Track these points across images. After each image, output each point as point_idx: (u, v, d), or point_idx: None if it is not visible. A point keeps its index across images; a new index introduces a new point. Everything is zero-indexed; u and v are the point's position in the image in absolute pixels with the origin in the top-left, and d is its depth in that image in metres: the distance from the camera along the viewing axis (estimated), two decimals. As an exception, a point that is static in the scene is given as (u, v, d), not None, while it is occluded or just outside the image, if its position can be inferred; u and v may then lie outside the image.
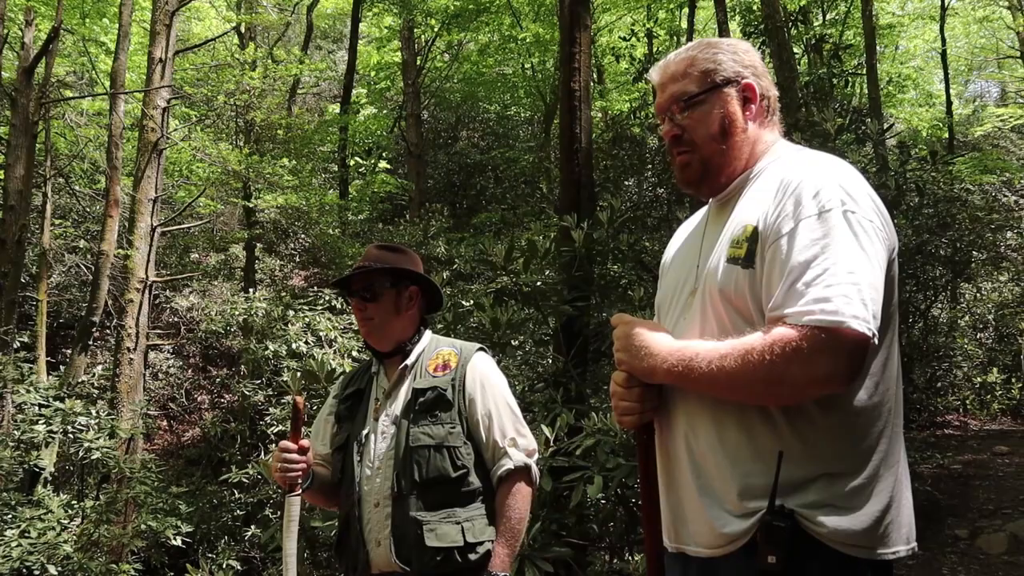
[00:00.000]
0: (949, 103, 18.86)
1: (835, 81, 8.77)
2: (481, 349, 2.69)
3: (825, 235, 1.54)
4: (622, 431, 4.28)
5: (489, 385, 2.59)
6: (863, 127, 7.61)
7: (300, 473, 2.49)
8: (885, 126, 8.35)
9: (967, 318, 11.55)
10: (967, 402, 10.92)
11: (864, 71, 14.24)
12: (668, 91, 1.82)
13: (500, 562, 2.44)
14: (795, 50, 10.42)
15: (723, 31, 13.05)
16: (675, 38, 18.38)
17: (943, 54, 19.13)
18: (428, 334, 2.76)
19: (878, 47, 17.24)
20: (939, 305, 10.13)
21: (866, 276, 1.51)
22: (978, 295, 11.68)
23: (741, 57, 1.82)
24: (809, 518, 1.55)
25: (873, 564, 1.58)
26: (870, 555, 1.57)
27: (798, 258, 1.53)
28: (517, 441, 2.55)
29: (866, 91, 14.94)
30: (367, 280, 2.64)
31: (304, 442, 2.51)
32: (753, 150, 1.81)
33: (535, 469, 2.58)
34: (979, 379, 11.03)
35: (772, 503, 1.55)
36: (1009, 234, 11.09)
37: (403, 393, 2.60)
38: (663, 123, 1.85)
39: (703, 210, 1.98)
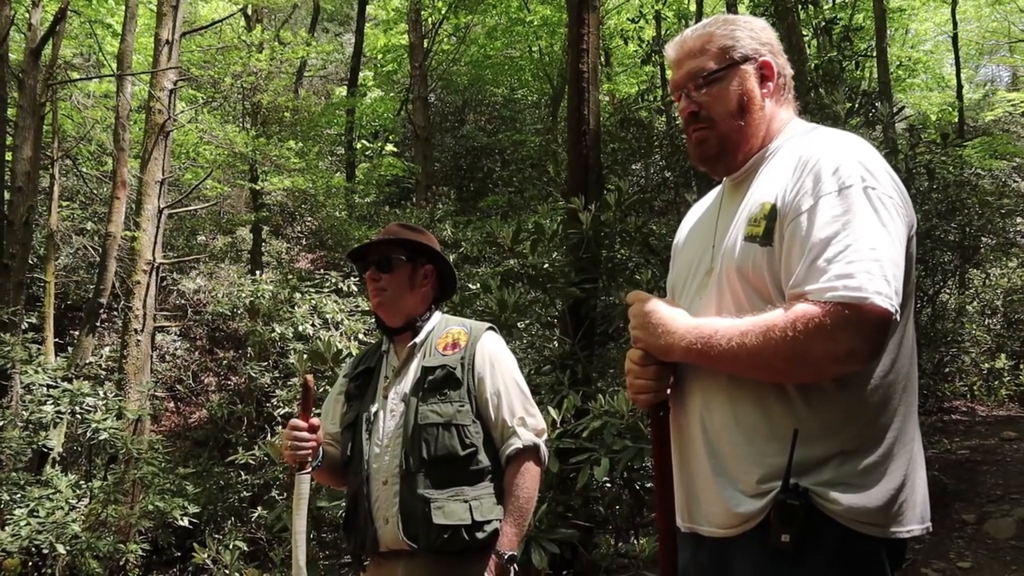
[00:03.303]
0: (960, 87, 18.67)
1: (845, 64, 8.67)
2: (491, 328, 2.69)
3: (846, 212, 1.52)
4: (629, 413, 4.27)
5: (498, 364, 2.58)
6: (873, 110, 7.52)
7: (310, 451, 2.48)
8: (895, 110, 8.28)
9: (975, 304, 11.49)
10: (975, 388, 10.87)
11: (874, 54, 14.12)
12: (685, 67, 1.80)
13: (508, 541, 2.44)
14: (804, 33, 10.32)
15: (731, 14, 12.95)
16: (684, 20, 18.25)
17: (954, 38, 18.94)
18: (438, 313, 2.76)
19: (888, 30, 17.10)
20: (947, 290, 10.08)
21: (888, 252, 1.49)
22: (987, 281, 11.62)
23: (758, 34, 1.81)
24: (823, 496, 1.53)
25: (887, 542, 1.57)
26: (884, 533, 1.56)
27: (819, 235, 1.52)
28: (526, 420, 2.54)
29: (876, 75, 14.81)
30: (384, 252, 2.66)
31: (314, 420, 2.51)
32: (769, 128, 1.79)
33: (544, 449, 2.57)
34: (987, 365, 10.98)
35: (786, 482, 1.54)
36: (1019, 220, 11.02)
37: (412, 371, 2.60)
38: (679, 100, 1.82)
39: (716, 190, 1.96)
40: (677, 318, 1.68)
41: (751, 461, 1.61)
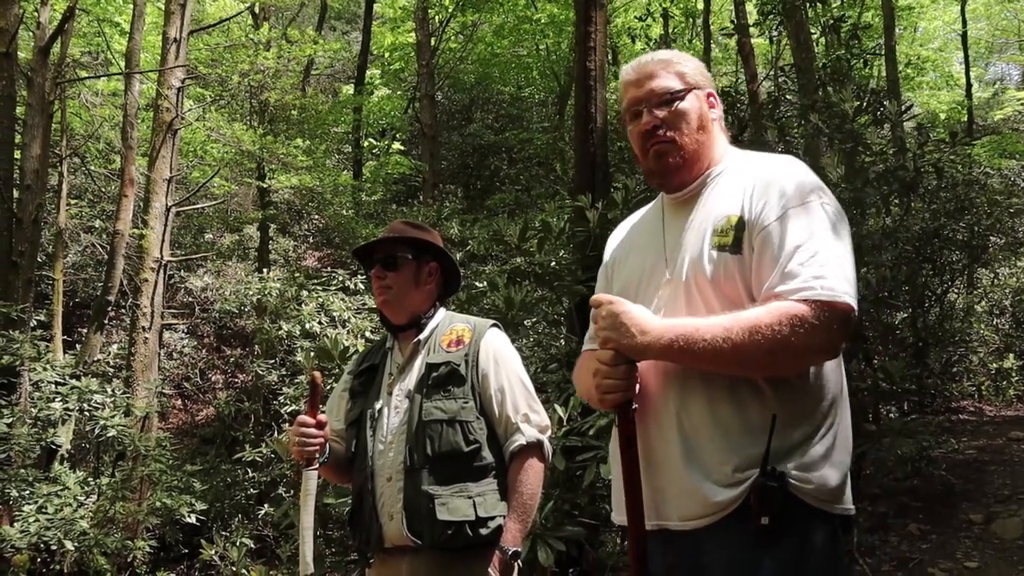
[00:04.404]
0: (969, 86, 18.57)
1: (853, 62, 8.64)
2: (495, 325, 2.70)
3: (810, 223, 1.72)
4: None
5: (502, 360, 2.59)
6: (881, 109, 7.49)
7: (317, 447, 2.50)
8: (903, 108, 8.24)
9: (984, 303, 11.44)
10: (983, 388, 10.82)
11: (882, 52, 14.06)
12: (646, 86, 1.94)
13: (512, 537, 2.44)
14: (812, 31, 10.29)
15: (739, 12, 12.93)
16: (691, 19, 18.23)
17: (963, 36, 18.87)
18: (443, 311, 2.78)
19: (897, 28, 17.04)
20: (956, 290, 10.04)
21: (846, 258, 1.70)
22: (995, 280, 11.57)
23: (703, 71, 2.01)
24: (796, 478, 1.67)
25: (841, 518, 1.75)
26: (840, 510, 1.74)
27: (791, 243, 1.70)
28: (530, 417, 2.55)
29: (884, 73, 14.76)
30: (389, 250, 2.68)
31: (321, 417, 2.52)
32: (713, 152, 1.96)
33: (548, 445, 2.58)
34: (995, 365, 10.94)
35: (765, 466, 1.66)
36: (1028, 219, 10.95)
37: (416, 367, 2.61)
38: (634, 117, 1.96)
39: (646, 208, 2.13)
40: (651, 319, 1.77)
41: (729, 452, 1.71)
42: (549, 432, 2.61)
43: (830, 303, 1.62)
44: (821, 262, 1.66)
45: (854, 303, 1.65)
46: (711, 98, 1.98)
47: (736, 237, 1.77)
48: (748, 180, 1.83)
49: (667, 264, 1.89)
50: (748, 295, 1.74)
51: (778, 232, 1.72)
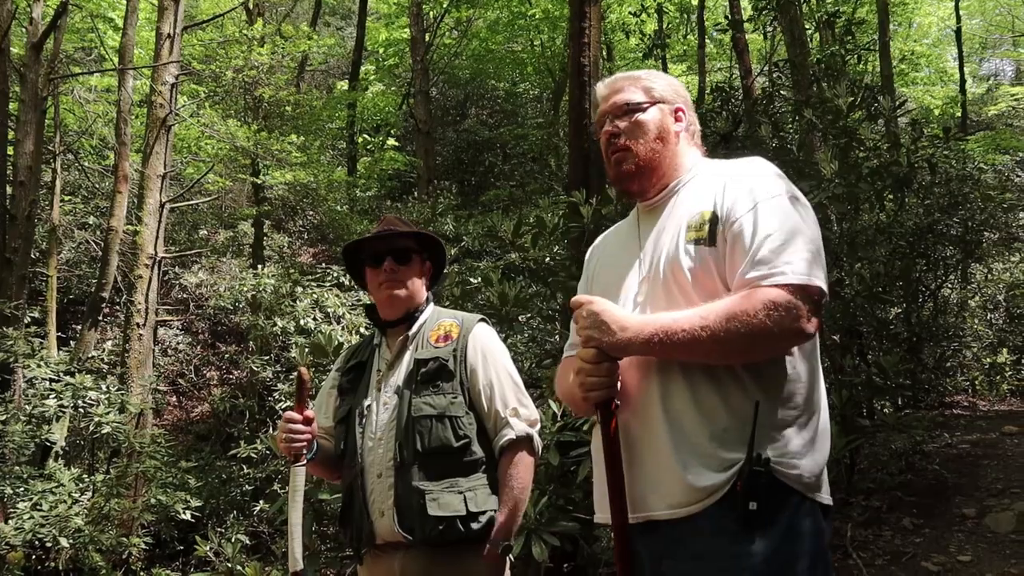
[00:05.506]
0: (963, 81, 18.61)
1: (847, 58, 8.67)
2: (483, 320, 2.70)
3: (779, 214, 1.78)
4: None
5: (491, 355, 2.59)
6: (875, 104, 7.50)
7: (305, 443, 2.49)
8: (897, 103, 8.25)
9: (977, 298, 11.46)
10: (976, 383, 10.86)
11: (876, 48, 14.09)
12: (612, 100, 2.07)
13: (503, 531, 2.45)
14: (807, 27, 10.32)
15: (734, 7, 12.93)
16: (685, 14, 18.22)
17: (957, 31, 18.88)
18: (431, 306, 2.77)
19: (891, 24, 17.04)
20: (949, 285, 10.06)
21: (815, 245, 1.77)
22: (989, 275, 11.59)
23: (676, 88, 2.11)
24: (781, 464, 1.71)
25: (822, 507, 1.78)
26: (821, 498, 1.78)
27: (761, 233, 1.76)
28: (519, 411, 2.55)
29: (878, 69, 14.78)
30: (399, 242, 2.66)
31: (309, 412, 2.51)
32: (681, 162, 2.04)
33: (537, 439, 2.58)
34: (989, 360, 10.97)
35: (751, 452, 1.69)
36: (1021, 214, 10.98)
37: (405, 363, 2.60)
38: (602, 127, 2.07)
39: (624, 220, 2.23)
40: (630, 316, 1.83)
41: (714, 437, 1.74)
42: (539, 426, 2.61)
43: (801, 286, 1.69)
44: (791, 249, 1.72)
45: (823, 284, 1.72)
46: (679, 112, 2.07)
47: (711, 231, 1.83)
48: (718, 179, 1.92)
49: (642, 264, 1.96)
50: (724, 286, 1.80)
51: (749, 223, 1.78)
